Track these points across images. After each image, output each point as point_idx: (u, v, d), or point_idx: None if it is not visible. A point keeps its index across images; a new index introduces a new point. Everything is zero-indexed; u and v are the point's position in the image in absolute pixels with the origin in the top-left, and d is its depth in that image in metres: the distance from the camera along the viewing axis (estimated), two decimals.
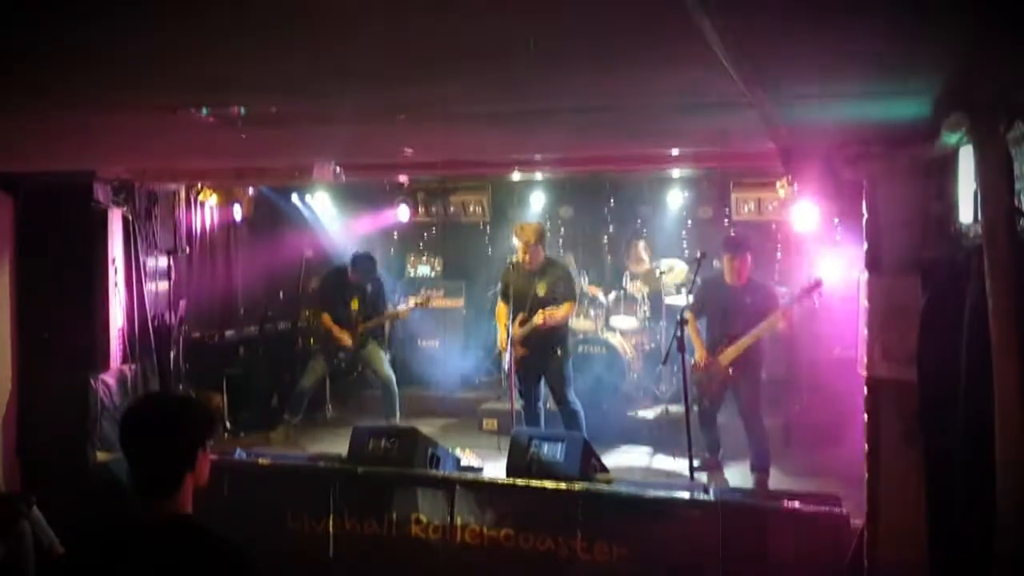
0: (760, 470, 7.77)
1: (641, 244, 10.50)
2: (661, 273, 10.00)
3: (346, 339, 9.45)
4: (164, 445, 2.73)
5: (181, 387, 9.05)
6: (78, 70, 3.35)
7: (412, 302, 10.12)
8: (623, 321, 10.11)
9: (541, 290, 8.10)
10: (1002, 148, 3.67)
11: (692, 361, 8.06)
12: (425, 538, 6.35)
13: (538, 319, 7.93)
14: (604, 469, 6.75)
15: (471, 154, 7.35)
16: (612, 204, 11.36)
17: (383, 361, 9.74)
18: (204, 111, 4.18)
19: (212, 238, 10.44)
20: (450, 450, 7.30)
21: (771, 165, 6.82)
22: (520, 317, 8.06)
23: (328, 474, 6.71)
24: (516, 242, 8.13)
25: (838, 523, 5.68)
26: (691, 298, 8.19)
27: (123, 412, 2.83)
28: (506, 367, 8.34)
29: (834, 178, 5.67)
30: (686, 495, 6.13)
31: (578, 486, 6.20)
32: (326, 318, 9.55)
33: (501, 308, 8.42)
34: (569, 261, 10.37)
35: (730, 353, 7.73)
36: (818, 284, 7.81)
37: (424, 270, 11.83)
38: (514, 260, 8.20)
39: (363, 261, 9.65)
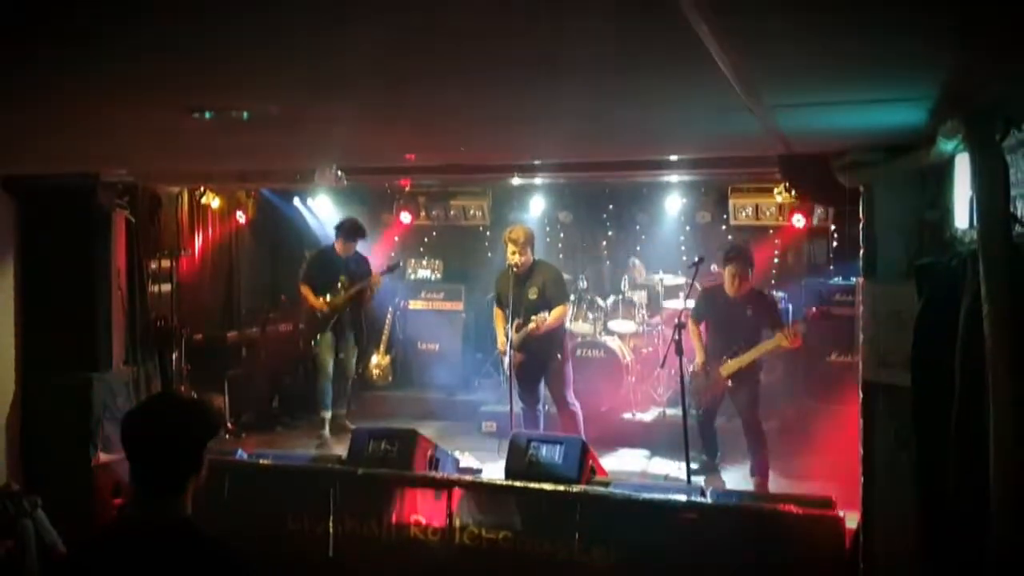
0: (759, 474, 7.81)
1: (636, 262, 10.54)
2: (660, 279, 10.06)
3: (319, 303, 9.36)
4: (172, 447, 2.75)
5: (183, 388, 9.08)
6: (81, 73, 3.38)
7: (373, 278, 9.81)
8: (621, 325, 10.16)
9: (532, 293, 8.14)
10: (998, 155, 3.71)
11: (692, 366, 8.11)
12: (424, 540, 6.38)
13: (531, 326, 7.96)
14: (602, 472, 6.79)
15: (471, 159, 7.37)
16: (611, 209, 11.40)
17: (353, 356, 9.76)
18: (207, 114, 4.21)
19: (214, 240, 10.48)
20: (449, 452, 7.34)
21: (769, 171, 6.86)
22: (516, 323, 8.09)
23: (328, 475, 6.73)
24: (507, 245, 8.17)
25: (833, 526, 5.71)
26: (691, 303, 8.25)
27: (129, 413, 2.85)
28: (505, 370, 8.38)
29: (831, 184, 5.71)
30: (683, 498, 6.16)
31: (576, 489, 6.23)
32: (304, 288, 9.49)
33: (498, 314, 8.46)
34: (573, 266, 10.43)
35: (731, 366, 7.77)
36: (826, 312, 7.84)
37: (424, 273, 11.87)
38: (506, 266, 8.24)
39: (349, 227, 9.56)
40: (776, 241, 10.73)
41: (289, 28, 2.69)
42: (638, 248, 11.01)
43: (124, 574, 2.69)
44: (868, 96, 3.89)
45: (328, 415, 9.46)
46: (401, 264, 10.30)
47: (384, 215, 11.68)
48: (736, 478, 8.03)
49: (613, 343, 9.79)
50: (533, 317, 7.94)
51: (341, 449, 7.53)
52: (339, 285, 9.43)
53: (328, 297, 9.38)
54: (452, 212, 11.52)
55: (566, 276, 8.84)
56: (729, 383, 7.82)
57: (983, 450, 3.53)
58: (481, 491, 6.41)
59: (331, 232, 11.01)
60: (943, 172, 4.75)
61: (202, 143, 5.38)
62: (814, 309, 7.91)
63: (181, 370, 9.19)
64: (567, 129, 5.16)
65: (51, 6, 2.49)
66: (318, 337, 9.56)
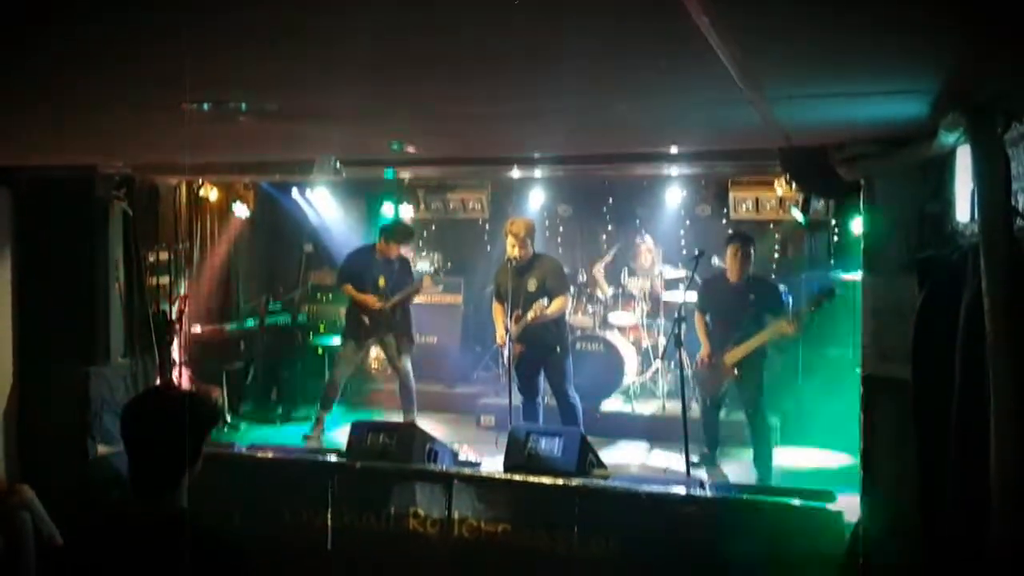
0: (762, 467, 7.80)
1: (648, 241, 10.51)
2: (660, 272, 10.05)
3: (371, 301, 9.06)
4: (169, 440, 2.74)
5: (181, 381, 9.06)
6: (79, 66, 3.37)
7: (424, 280, 9.56)
8: (621, 318, 10.15)
9: (531, 285, 8.14)
10: (999, 148, 3.70)
11: (697, 357, 8.11)
12: (423, 532, 6.38)
13: (530, 315, 7.96)
14: (601, 464, 6.79)
15: (471, 151, 7.36)
16: (611, 202, 11.38)
17: (404, 355, 9.40)
18: (205, 106, 4.19)
19: (212, 232, 10.46)
20: (448, 445, 7.33)
21: (769, 164, 6.84)
22: (515, 314, 8.09)
23: (327, 468, 6.73)
24: (507, 237, 8.16)
25: (833, 520, 5.71)
26: (691, 295, 8.24)
27: (127, 405, 2.84)
28: (505, 362, 8.37)
29: (832, 177, 5.70)
30: (682, 491, 6.16)
31: (575, 481, 6.22)
32: (348, 287, 9.20)
33: (497, 307, 8.45)
34: (572, 260, 10.41)
35: (736, 353, 7.75)
36: (831, 292, 7.85)
37: (423, 266, 11.86)
38: (505, 258, 8.23)
39: (393, 232, 9.32)
40: (776, 235, 10.73)
41: (287, 20, 2.68)
42: (643, 231, 10.96)
43: (121, 566, 2.68)
44: (869, 89, 3.88)
45: (326, 415, 9.37)
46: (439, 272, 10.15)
47: (383, 208, 11.65)
48: (738, 471, 8.03)
49: (612, 336, 9.79)
50: (534, 305, 7.94)
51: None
52: (379, 285, 9.18)
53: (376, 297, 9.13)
54: (451, 205, 11.51)
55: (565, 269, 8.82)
56: (735, 371, 7.81)
57: (984, 444, 3.52)
58: (480, 484, 6.40)
59: (330, 225, 11.02)
60: (944, 165, 4.75)
61: (200, 135, 5.36)
62: (820, 291, 7.91)
63: (179, 363, 9.18)
64: (568, 121, 5.15)
65: (51, 3, 2.49)
66: (346, 341, 9.44)
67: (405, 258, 9.61)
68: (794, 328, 7.73)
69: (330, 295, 10.90)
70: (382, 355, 10.67)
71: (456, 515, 6.31)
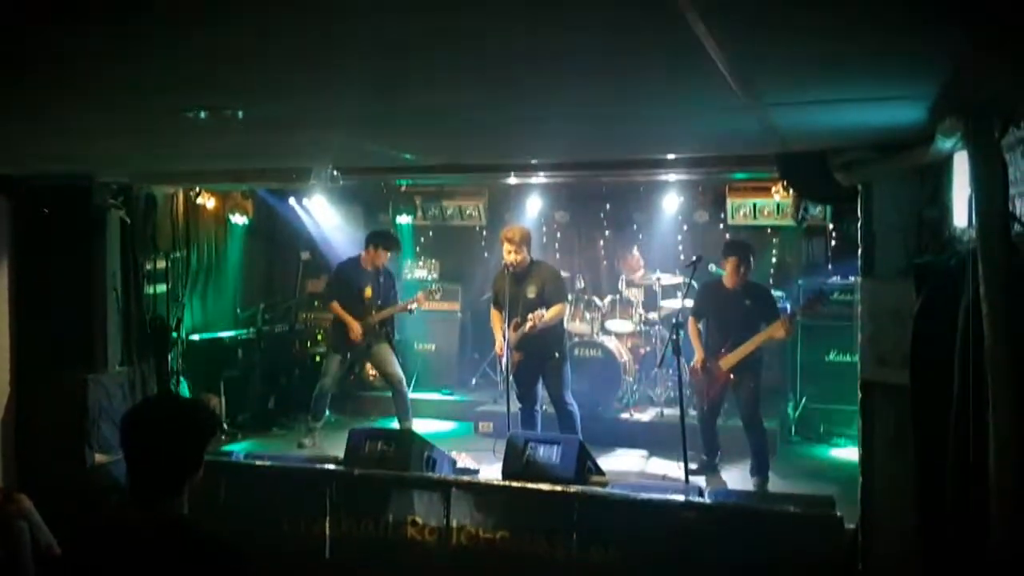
0: (760, 473, 7.80)
1: (636, 251, 10.52)
2: (657, 279, 10.05)
3: (356, 329, 9.19)
4: (171, 448, 2.74)
5: (178, 389, 9.05)
6: (77, 72, 3.37)
7: (419, 296, 9.79)
8: (618, 324, 10.15)
9: (530, 293, 8.14)
10: (997, 153, 3.70)
11: (691, 364, 8.11)
12: (421, 540, 6.36)
13: (528, 324, 7.95)
14: (599, 472, 6.77)
15: (469, 159, 7.36)
16: (608, 209, 11.39)
17: (393, 362, 9.47)
18: (203, 114, 4.19)
19: (210, 240, 10.45)
20: (446, 453, 7.32)
21: (767, 170, 6.84)
22: (514, 322, 8.08)
23: (325, 476, 6.71)
24: (503, 244, 8.17)
25: (832, 526, 5.70)
26: (688, 302, 8.25)
27: (127, 413, 2.84)
28: (503, 370, 8.37)
29: (829, 183, 5.70)
30: (681, 498, 6.14)
31: (573, 489, 6.21)
32: (335, 306, 9.33)
33: (495, 315, 8.44)
34: (570, 266, 10.40)
35: (731, 358, 7.76)
36: (822, 296, 7.86)
37: (421, 273, 11.87)
38: (503, 266, 8.23)
39: (383, 237, 9.48)
40: (774, 240, 10.73)
41: (286, 29, 2.68)
42: (640, 236, 10.98)
43: (121, 573, 2.67)
44: (866, 94, 3.88)
45: (318, 425, 9.39)
46: (438, 291, 10.34)
47: (380, 215, 11.68)
48: (736, 478, 8.02)
49: (610, 343, 9.78)
50: (530, 315, 7.94)
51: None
52: (365, 297, 9.31)
53: (362, 317, 9.26)
54: (449, 212, 11.52)
55: (564, 273, 8.82)
56: (731, 376, 7.80)
57: (982, 448, 3.52)
58: (478, 491, 6.38)
59: (328, 233, 11.01)
60: (942, 170, 4.75)
61: (197, 143, 5.36)
62: (812, 294, 7.93)
63: (177, 371, 9.17)
64: (565, 129, 5.15)
65: (49, 8, 2.48)
66: (332, 352, 9.55)
67: (390, 269, 9.72)
68: (787, 331, 7.74)
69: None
70: None
71: (454, 523, 6.29)
